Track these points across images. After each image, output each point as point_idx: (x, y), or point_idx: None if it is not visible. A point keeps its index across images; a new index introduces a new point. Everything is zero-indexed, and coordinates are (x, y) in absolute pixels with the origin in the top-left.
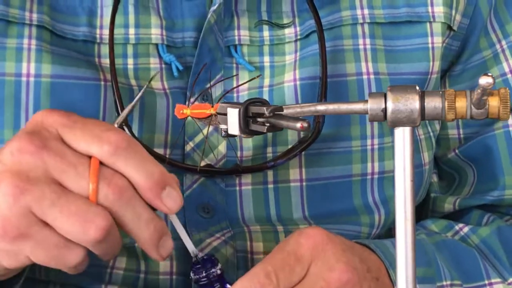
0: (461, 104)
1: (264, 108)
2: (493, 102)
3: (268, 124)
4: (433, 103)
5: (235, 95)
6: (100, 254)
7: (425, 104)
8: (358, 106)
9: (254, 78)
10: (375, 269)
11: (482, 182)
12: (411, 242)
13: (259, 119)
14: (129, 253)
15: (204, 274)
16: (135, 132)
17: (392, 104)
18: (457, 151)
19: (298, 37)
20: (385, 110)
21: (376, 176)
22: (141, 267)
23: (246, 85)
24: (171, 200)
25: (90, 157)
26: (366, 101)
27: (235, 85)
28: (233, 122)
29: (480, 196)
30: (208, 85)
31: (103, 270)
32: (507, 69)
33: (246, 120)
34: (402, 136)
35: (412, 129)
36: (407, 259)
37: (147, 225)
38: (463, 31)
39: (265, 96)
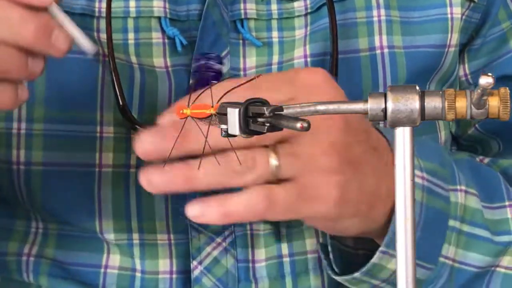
0: (461, 104)
1: (264, 108)
2: (493, 102)
3: (268, 124)
4: (433, 103)
5: (242, 73)
6: None
7: (425, 104)
8: (358, 106)
9: (254, 78)
10: (377, 143)
11: (509, 152)
12: (411, 241)
13: (259, 119)
14: (122, 251)
15: (203, 62)
16: (135, 113)
17: (392, 104)
18: (477, 125)
19: (308, 10)
20: (385, 110)
21: None
22: (136, 266)
23: (254, 63)
24: None
25: None
26: (366, 101)
27: (241, 63)
28: (233, 122)
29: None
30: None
31: (97, 271)
32: None
33: (246, 120)
34: (402, 136)
35: (412, 129)
36: (407, 258)
37: (25, 26)
38: (484, 2)
39: None
